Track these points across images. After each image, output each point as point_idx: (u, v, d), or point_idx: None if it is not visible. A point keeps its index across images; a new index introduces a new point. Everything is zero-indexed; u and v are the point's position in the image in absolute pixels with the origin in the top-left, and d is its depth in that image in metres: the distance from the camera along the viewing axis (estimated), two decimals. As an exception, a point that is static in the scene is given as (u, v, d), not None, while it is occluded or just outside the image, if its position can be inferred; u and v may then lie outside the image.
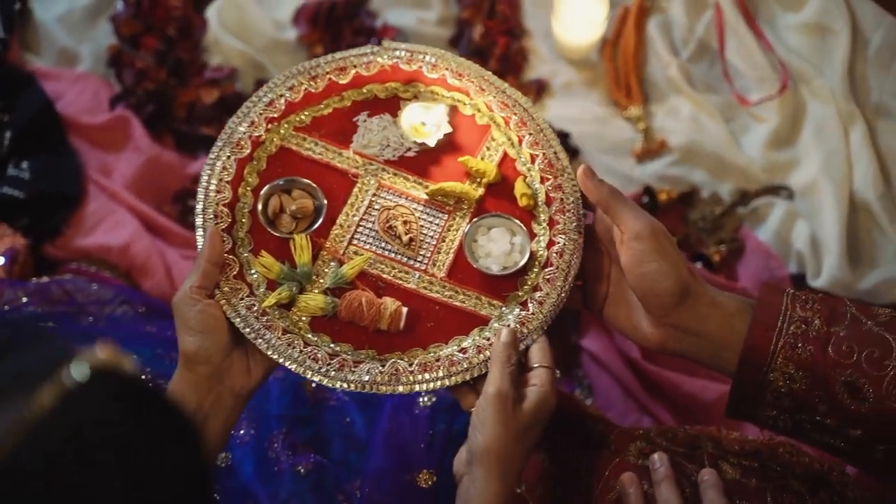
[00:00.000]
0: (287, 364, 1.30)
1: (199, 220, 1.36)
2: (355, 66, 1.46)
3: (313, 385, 1.67)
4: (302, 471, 1.59)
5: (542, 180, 1.41)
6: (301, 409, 1.65)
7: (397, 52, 1.47)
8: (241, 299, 1.32)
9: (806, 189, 2.09)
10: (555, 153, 1.42)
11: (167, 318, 1.88)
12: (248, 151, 1.41)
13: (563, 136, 2.14)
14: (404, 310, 1.35)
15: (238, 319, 1.31)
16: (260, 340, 1.31)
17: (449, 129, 1.44)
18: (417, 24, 2.29)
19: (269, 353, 1.30)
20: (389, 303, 1.35)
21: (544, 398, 1.28)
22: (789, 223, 2.08)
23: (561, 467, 1.51)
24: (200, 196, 1.37)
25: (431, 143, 1.43)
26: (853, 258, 2.02)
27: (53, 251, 2.04)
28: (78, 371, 0.81)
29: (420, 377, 1.31)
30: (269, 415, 1.63)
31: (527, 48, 2.28)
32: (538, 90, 2.22)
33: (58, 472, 0.78)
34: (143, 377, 1.57)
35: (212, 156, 1.40)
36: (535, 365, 1.30)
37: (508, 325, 1.33)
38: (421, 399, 1.64)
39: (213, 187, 1.37)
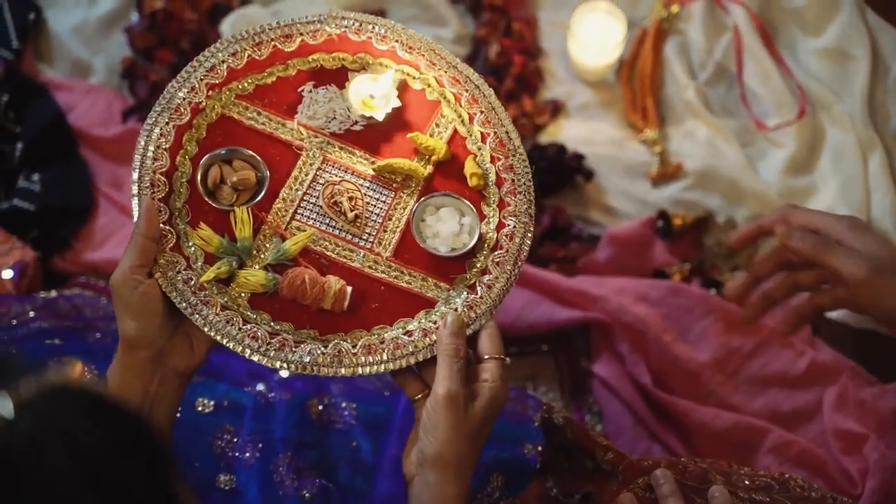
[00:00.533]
0: (225, 342, 1.28)
1: (134, 189, 1.33)
2: (301, 35, 1.42)
3: (319, 408, 1.65)
4: (307, 495, 1.57)
5: (493, 160, 1.38)
6: (306, 432, 1.63)
7: (345, 22, 1.42)
8: (178, 273, 1.30)
9: (823, 216, 2.06)
10: (506, 132, 1.39)
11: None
12: (188, 118, 1.36)
13: (579, 158, 2.11)
14: (349, 289, 1.33)
15: (174, 294, 1.28)
16: (197, 316, 1.28)
17: (398, 104, 1.40)
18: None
19: (207, 329, 1.28)
20: (333, 281, 1.32)
21: (496, 394, 1.26)
22: (805, 251, 2.05)
23: (567, 497, 1.50)
24: (136, 164, 1.34)
25: (379, 116, 1.39)
26: (870, 288, 1.99)
27: (62, 264, 2.03)
28: (28, 387, 0.83)
29: (363, 359, 1.29)
30: (274, 436, 1.61)
31: (543, 68, 2.27)
32: (554, 111, 2.20)
33: (14, 476, 0.79)
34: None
35: (149, 121, 1.35)
36: (486, 357, 1.29)
37: (455, 310, 1.31)
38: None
39: (149, 154, 1.34)
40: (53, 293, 1.90)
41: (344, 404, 1.66)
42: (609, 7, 2.17)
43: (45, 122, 2.11)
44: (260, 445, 1.60)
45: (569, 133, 2.19)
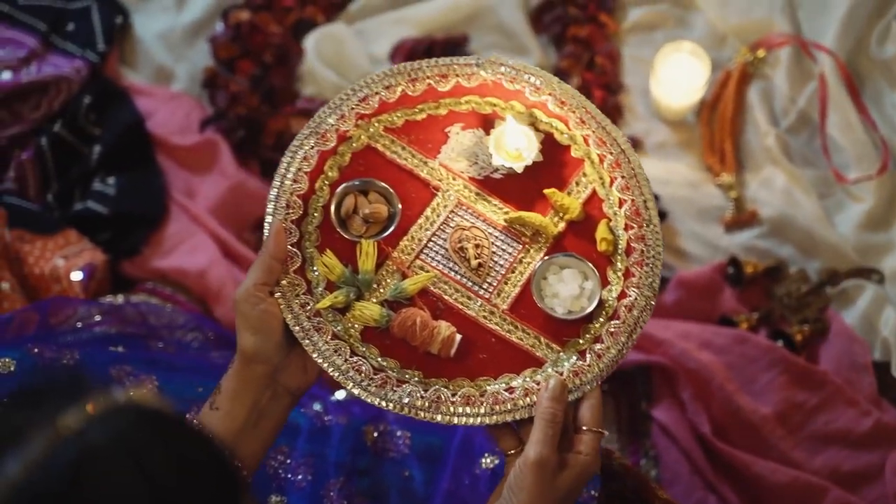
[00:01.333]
0: (329, 370, 1.29)
1: (269, 207, 1.34)
2: (457, 76, 1.41)
3: (375, 435, 1.65)
4: (357, 522, 1.57)
5: (627, 227, 1.36)
6: (360, 459, 1.62)
7: (502, 69, 1.41)
8: (298, 296, 1.31)
9: (898, 275, 2.03)
10: (644, 202, 1.37)
11: (233, 348, 1.87)
12: (333, 145, 1.37)
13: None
14: (458, 337, 1.32)
15: (290, 316, 1.30)
16: (307, 341, 1.29)
17: (539, 158, 1.38)
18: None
19: (315, 356, 1.29)
20: (444, 327, 1.32)
21: (587, 468, 1.25)
22: (877, 308, 2.01)
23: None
24: (276, 183, 1.35)
25: (519, 168, 1.37)
26: (942, 351, 1.95)
27: (131, 269, 2.05)
28: (99, 402, 0.85)
29: (461, 409, 1.28)
30: (327, 461, 1.61)
31: (623, 104, 2.25)
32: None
33: (82, 487, 0.81)
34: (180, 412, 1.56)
35: (295, 142, 1.37)
36: (584, 427, 1.27)
37: (561, 374, 1.29)
38: (483, 460, 1.61)
39: (290, 176, 1.35)
40: (120, 298, 1.92)
41: (399, 433, 1.66)
42: (694, 48, 2.15)
43: (124, 126, 2.13)
44: (313, 469, 1.60)
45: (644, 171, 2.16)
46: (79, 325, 1.75)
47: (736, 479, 1.88)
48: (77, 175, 2.09)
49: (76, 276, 1.92)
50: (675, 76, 2.14)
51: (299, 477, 1.60)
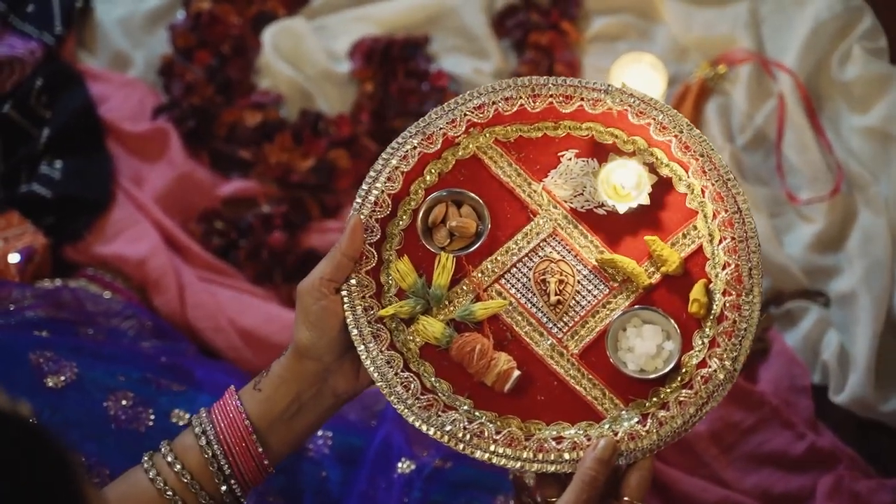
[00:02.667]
0: (377, 381, 1.25)
1: (357, 202, 1.30)
2: (582, 100, 1.32)
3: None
4: (269, 522, 1.56)
5: (725, 293, 1.26)
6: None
7: (631, 100, 1.31)
8: (364, 298, 1.27)
9: (843, 298, 2.01)
10: (750, 269, 1.26)
11: (169, 338, 1.87)
12: (437, 149, 1.32)
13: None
14: (515, 373, 1.27)
15: (351, 318, 1.26)
16: (362, 347, 1.26)
17: (646, 202, 1.29)
18: (472, 74, 2.26)
19: (366, 362, 1.25)
20: (503, 360, 1.27)
21: None
22: (820, 331, 2.00)
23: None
24: (369, 179, 1.30)
25: (621, 209, 1.29)
26: (881, 379, 1.93)
27: (73, 254, 2.04)
28: None
29: (501, 450, 1.23)
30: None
31: (579, 113, 2.24)
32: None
33: None
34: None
35: (399, 140, 1.32)
36: (626, 499, 1.22)
37: (616, 435, 1.22)
38: (400, 464, 1.60)
39: (385, 173, 1.30)
40: (58, 282, 1.91)
41: (320, 433, 1.65)
42: (653, 60, 2.14)
43: (74, 110, 2.12)
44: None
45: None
46: (11, 307, 1.74)
47: (663, 494, 1.86)
48: (24, 157, 2.08)
49: (13, 258, 1.91)
50: (632, 86, 2.12)
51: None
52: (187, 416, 1.59)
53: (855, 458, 1.88)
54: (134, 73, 2.26)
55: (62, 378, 1.58)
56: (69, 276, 1.99)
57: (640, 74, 2.14)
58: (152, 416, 1.50)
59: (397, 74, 2.23)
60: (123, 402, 1.58)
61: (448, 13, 2.31)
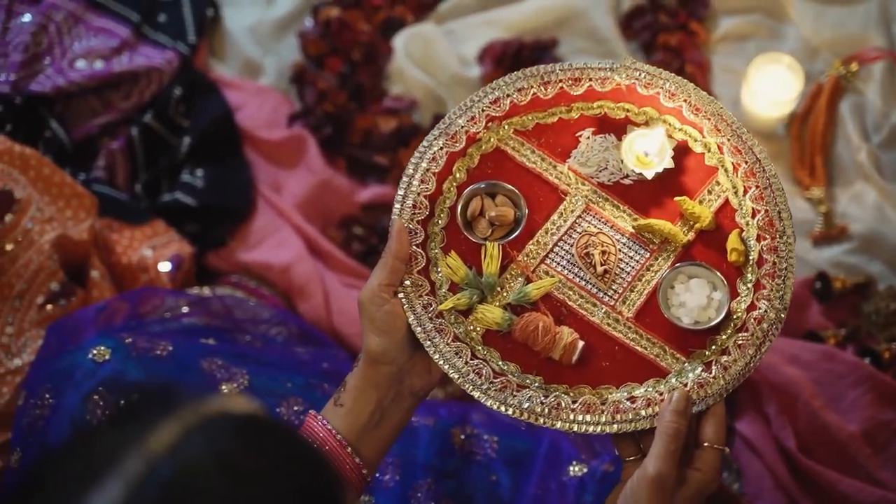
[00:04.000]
0: (450, 373, 1.28)
1: (396, 207, 1.34)
2: (591, 80, 1.38)
3: (462, 437, 1.64)
4: (442, 524, 1.56)
5: (759, 238, 1.31)
6: (447, 461, 1.62)
7: (637, 73, 1.38)
8: (421, 297, 1.31)
9: None
10: (779, 213, 1.32)
11: (320, 344, 1.88)
12: (462, 147, 1.36)
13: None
14: (580, 343, 1.30)
15: (412, 317, 1.30)
16: (429, 343, 1.29)
17: (671, 165, 1.35)
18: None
19: (436, 357, 1.29)
20: (566, 333, 1.30)
21: (705, 486, 1.22)
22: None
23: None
24: (403, 183, 1.35)
25: (649, 175, 1.34)
26: None
27: (216, 262, 2.05)
28: (191, 415, 0.85)
29: (581, 417, 1.26)
30: (415, 462, 1.61)
31: (711, 114, 2.23)
32: (719, 158, 2.17)
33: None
34: (273, 415, 1.56)
35: (424, 143, 1.36)
36: (705, 444, 1.24)
37: (686, 386, 1.26)
38: (571, 468, 1.60)
39: (418, 176, 1.34)
40: (207, 291, 1.93)
41: (486, 436, 1.65)
42: (791, 62, 2.12)
43: (213, 118, 2.14)
44: (400, 469, 1.60)
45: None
46: (167, 315, 1.76)
47: (821, 496, 1.85)
48: (165, 166, 2.11)
49: (164, 266, 1.92)
50: (768, 88, 2.12)
51: (387, 477, 1.59)
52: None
53: None
54: (265, 80, 2.27)
55: (236, 385, 1.59)
56: (214, 284, 2.01)
57: (776, 74, 2.13)
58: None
59: (527, 77, 2.23)
60: (295, 408, 1.59)
61: (576, 15, 2.30)
